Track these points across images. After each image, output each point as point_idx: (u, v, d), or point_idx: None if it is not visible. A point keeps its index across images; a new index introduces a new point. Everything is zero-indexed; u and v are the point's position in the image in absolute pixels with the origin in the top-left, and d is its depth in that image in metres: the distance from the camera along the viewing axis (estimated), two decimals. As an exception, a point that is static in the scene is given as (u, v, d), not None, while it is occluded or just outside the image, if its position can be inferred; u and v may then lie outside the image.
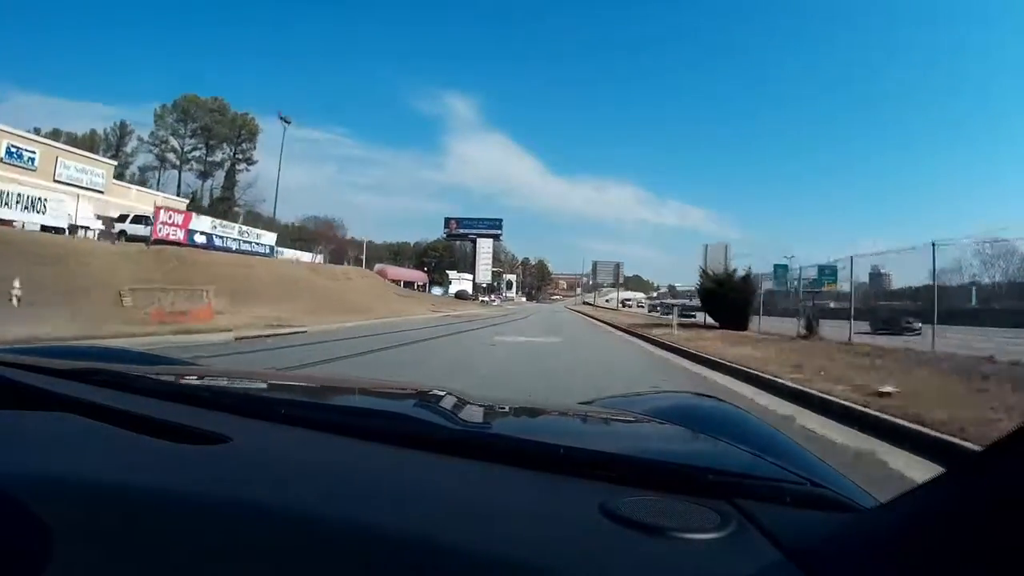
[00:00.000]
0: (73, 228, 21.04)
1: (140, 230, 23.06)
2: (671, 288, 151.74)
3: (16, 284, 11.27)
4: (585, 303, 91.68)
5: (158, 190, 40.63)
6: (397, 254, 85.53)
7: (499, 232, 77.03)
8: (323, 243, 51.11)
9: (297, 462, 0.58)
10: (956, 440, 3.46)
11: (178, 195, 44.94)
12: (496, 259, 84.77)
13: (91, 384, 0.79)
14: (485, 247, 73.57)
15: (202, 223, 26.22)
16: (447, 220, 78.00)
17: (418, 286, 60.58)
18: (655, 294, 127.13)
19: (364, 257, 55.02)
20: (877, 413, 4.29)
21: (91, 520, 0.43)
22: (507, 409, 1.01)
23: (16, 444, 0.59)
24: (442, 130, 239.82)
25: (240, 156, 59.46)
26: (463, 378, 6.43)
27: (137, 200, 28.84)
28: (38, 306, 10.50)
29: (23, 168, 22.88)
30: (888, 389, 5.02)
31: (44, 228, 19.20)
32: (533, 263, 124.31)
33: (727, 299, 16.31)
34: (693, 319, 28.48)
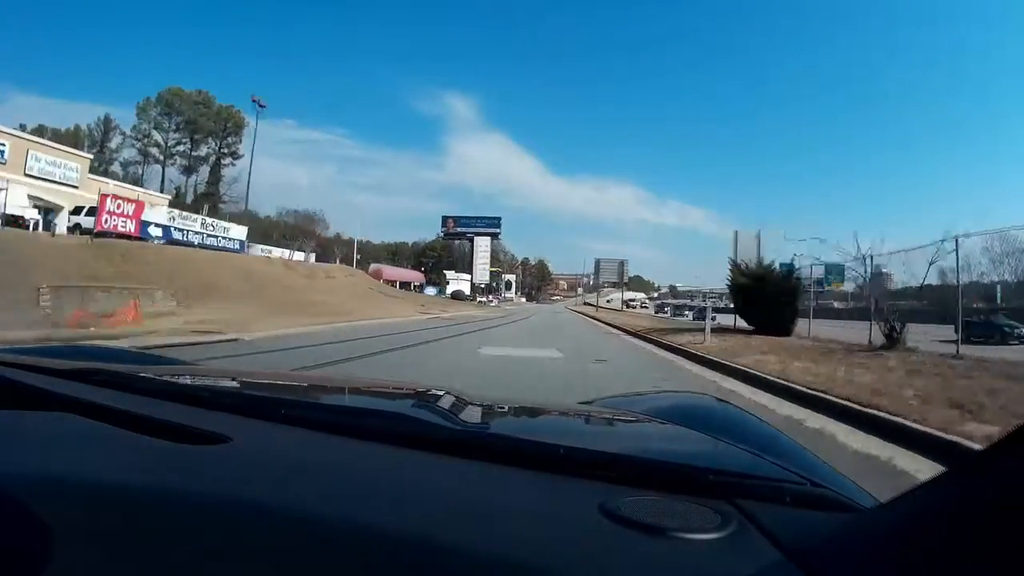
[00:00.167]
0: (12, 219, 18.45)
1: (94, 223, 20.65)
2: (672, 288, 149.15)
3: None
4: (586, 303, 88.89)
5: (141, 186, 38.20)
6: (395, 254, 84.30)
7: (497, 231, 74.64)
8: (302, 238, 47.08)
9: (297, 462, 0.58)
10: None
11: (161, 191, 43.44)
12: (495, 259, 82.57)
13: (91, 384, 0.79)
14: (483, 246, 71.14)
15: (157, 214, 23.41)
16: (444, 219, 75.65)
17: (414, 286, 58.21)
18: (656, 294, 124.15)
19: (355, 255, 52.42)
20: None
21: (91, 520, 0.43)
22: (507, 409, 1.00)
23: (16, 444, 0.58)
24: (442, 130, 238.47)
25: (225, 150, 56.53)
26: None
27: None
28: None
29: (-10, 161, 21.39)
30: None
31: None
32: (533, 263, 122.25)
33: (767, 298, 12.89)
34: (714, 321, 25.58)
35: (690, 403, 1.12)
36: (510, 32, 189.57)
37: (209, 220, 27.61)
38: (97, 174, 31.68)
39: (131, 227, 20.99)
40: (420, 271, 70.06)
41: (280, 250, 36.91)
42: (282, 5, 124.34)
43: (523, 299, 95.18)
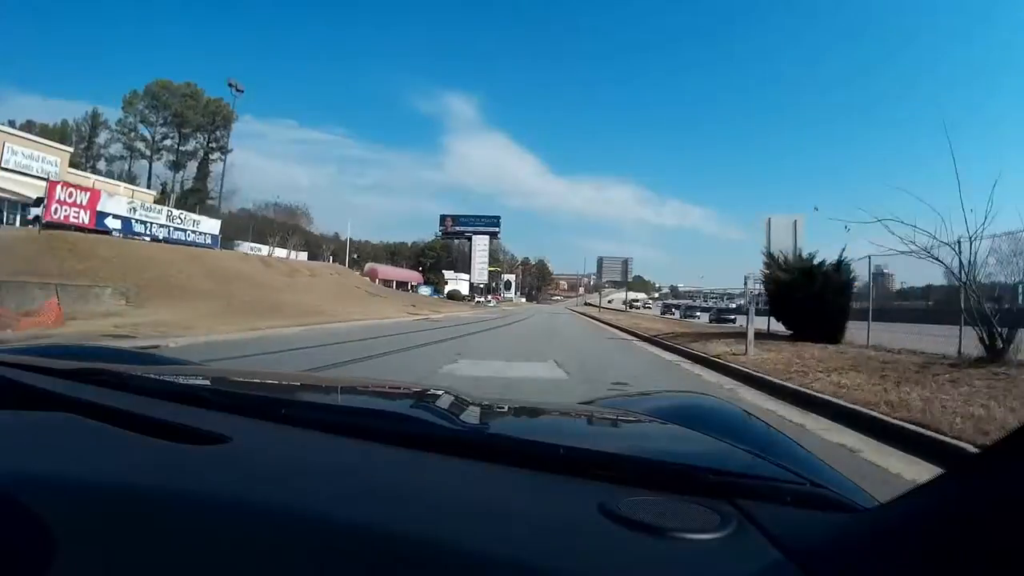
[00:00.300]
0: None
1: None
2: (672, 288, 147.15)
3: None
4: (587, 304, 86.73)
5: (132, 182, 36.35)
6: (394, 254, 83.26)
7: (496, 230, 72.80)
8: (284, 234, 43.61)
9: (297, 462, 0.58)
10: None
11: (148, 186, 41.85)
12: (495, 259, 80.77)
13: (91, 384, 0.78)
14: (481, 244, 69.26)
15: (116, 204, 21.27)
16: (443, 217, 73.86)
17: (411, 286, 56.18)
18: (656, 295, 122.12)
19: (348, 255, 50.36)
20: None
21: (91, 520, 0.43)
22: (507, 409, 1.00)
23: (16, 444, 0.58)
24: (442, 130, 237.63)
25: (214, 144, 54.22)
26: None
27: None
28: None
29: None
30: None
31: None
32: (533, 263, 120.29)
33: (812, 297, 10.19)
34: (732, 323, 23.11)
35: (690, 403, 1.11)
36: (511, 32, 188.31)
37: (176, 212, 25.37)
38: (83, 170, 31.10)
39: (85, 218, 18.95)
40: (418, 271, 68.09)
41: (267, 248, 34.69)
42: (283, 5, 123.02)
43: (523, 299, 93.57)
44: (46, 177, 21.75)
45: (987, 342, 6.73)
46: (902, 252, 8.94)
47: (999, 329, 6.68)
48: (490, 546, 0.41)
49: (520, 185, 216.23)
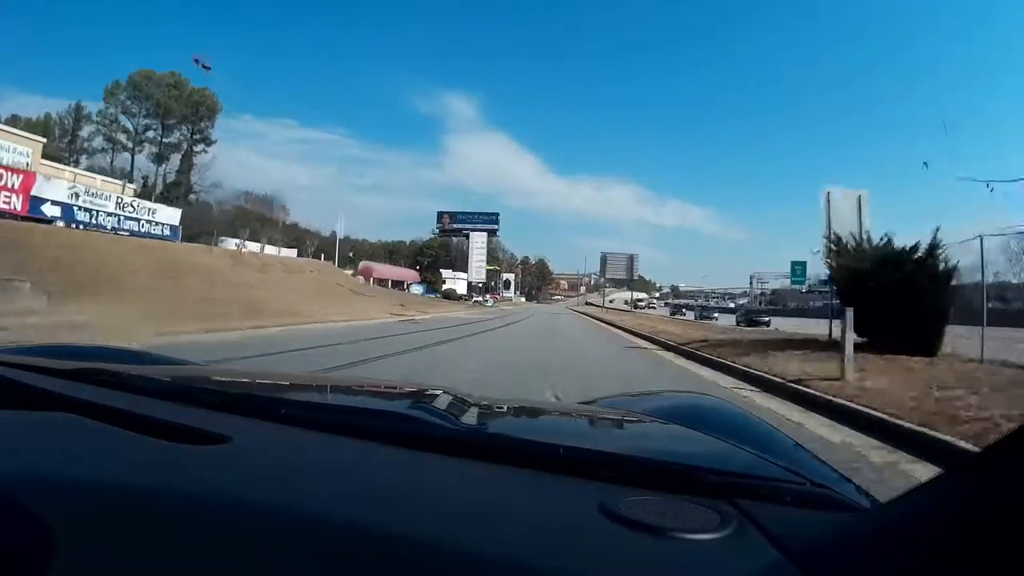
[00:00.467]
0: None
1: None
2: (673, 288, 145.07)
3: None
4: (588, 303, 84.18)
5: (118, 177, 33.97)
6: (393, 253, 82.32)
7: (495, 227, 70.41)
8: (257, 225, 39.82)
9: (297, 462, 0.58)
10: None
11: (131, 180, 39.25)
12: (494, 257, 78.61)
13: (91, 384, 0.78)
14: (479, 242, 66.87)
15: (54, 189, 18.64)
16: (440, 214, 71.47)
17: (407, 285, 53.95)
18: (657, 294, 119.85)
19: (338, 250, 47.94)
20: None
21: (91, 520, 0.43)
22: (507, 409, 0.99)
23: (16, 444, 0.58)
24: (442, 130, 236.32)
25: (197, 136, 51.49)
26: None
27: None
28: None
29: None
30: None
31: None
32: (533, 262, 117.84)
33: (901, 293, 7.39)
34: (766, 327, 20.62)
35: (690, 403, 1.10)
36: (511, 32, 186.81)
37: (128, 199, 22.61)
38: (65, 163, 29.11)
39: (17, 204, 16.55)
40: (416, 270, 65.60)
41: (237, 240, 31.91)
42: (283, 5, 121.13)
43: (523, 299, 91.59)
44: (17, 168, 19.45)
45: None
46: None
47: None
48: (490, 546, 0.41)
49: (520, 185, 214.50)
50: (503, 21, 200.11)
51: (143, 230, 22.04)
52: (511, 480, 0.54)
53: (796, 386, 5.32)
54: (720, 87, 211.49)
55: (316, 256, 46.39)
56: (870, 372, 5.72)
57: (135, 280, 15.56)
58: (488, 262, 70.48)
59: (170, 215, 24.76)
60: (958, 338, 7.72)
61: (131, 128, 49.23)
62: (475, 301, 56.62)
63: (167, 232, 23.47)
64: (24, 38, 70.54)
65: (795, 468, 0.59)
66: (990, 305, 8.41)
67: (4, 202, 16.41)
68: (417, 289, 52.83)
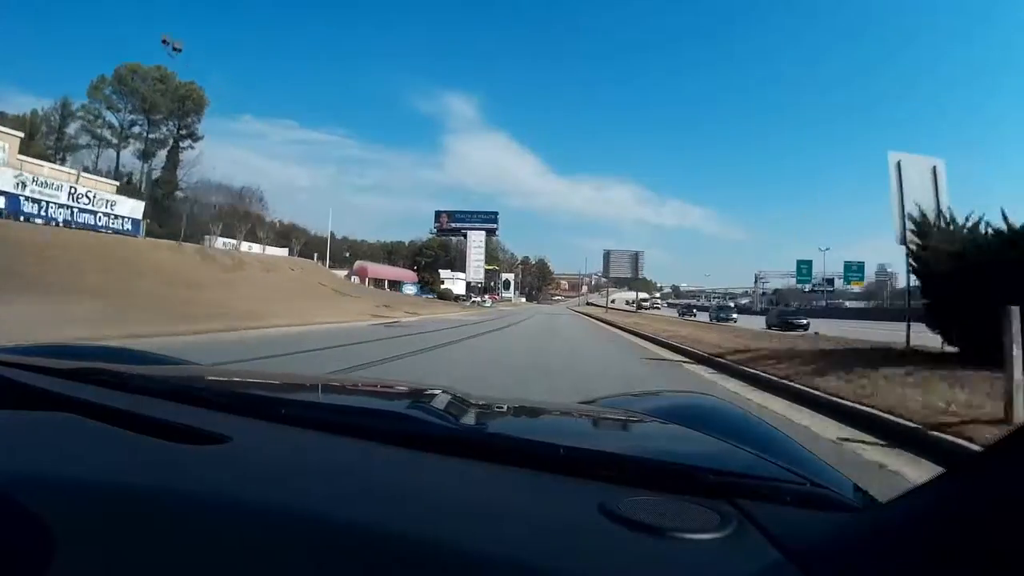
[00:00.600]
0: None
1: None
2: (675, 288, 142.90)
3: None
4: (589, 304, 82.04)
5: (106, 175, 32.15)
6: (391, 253, 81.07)
7: (494, 226, 68.57)
8: (232, 221, 36.83)
9: (297, 462, 0.58)
10: None
11: (116, 177, 37.58)
12: (494, 257, 76.57)
13: (91, 384, 0.78)
14: (477, 241, 64.99)
15: (-1, 178, 16.75)
16: (438, 214, 69.66)
17: (402, 285, 52.07)
18: (658, 294, 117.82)
19: (329, 248, 46.12)
20: None
21: (91, 520, 0.43)
22: (507, 409, 0.99)
23: (16, 444, 0.58)
24: (442, 130, 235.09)
25: (184, 131, 49.39)
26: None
27: (51, 177, 22.32)
28: None
29: None
30: None
31: None
32: (533, 262, 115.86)
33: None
34: (803, 329, 18.28)
35: (690, 403, 1.10)
36: (511, 32, 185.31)
37: (83, 190, 20.86)
38: (53, 161, 28.23)
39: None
40: (414, 270, 63.70)
41: (226, 240, 30.04)
42: (283, 5, 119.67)
43: (522, 299, 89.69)
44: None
45: None
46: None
47: None
48: (489, 546, 0.41)
49: (520, 185, 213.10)
50: (503, 21, 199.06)
51: (100, 223, 20.16)
52: (511, 480, 0.54)
53: (944, 435, 3.25)
54: (720, 87, 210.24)
55: (305, 254, 44.48)
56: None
57: (76, 279, 13.86)
58: (487, 262, 68.79)
59: (132, 207, 22.85)
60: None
61: (116, 124, 47.12)
62: (472, 301, 54.67)
63: (128, 226, 21.54)
64: (24, 38, 69.99)
65: (795, 468, 0.59)
66: None
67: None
68: (410, 289, 50.99)
